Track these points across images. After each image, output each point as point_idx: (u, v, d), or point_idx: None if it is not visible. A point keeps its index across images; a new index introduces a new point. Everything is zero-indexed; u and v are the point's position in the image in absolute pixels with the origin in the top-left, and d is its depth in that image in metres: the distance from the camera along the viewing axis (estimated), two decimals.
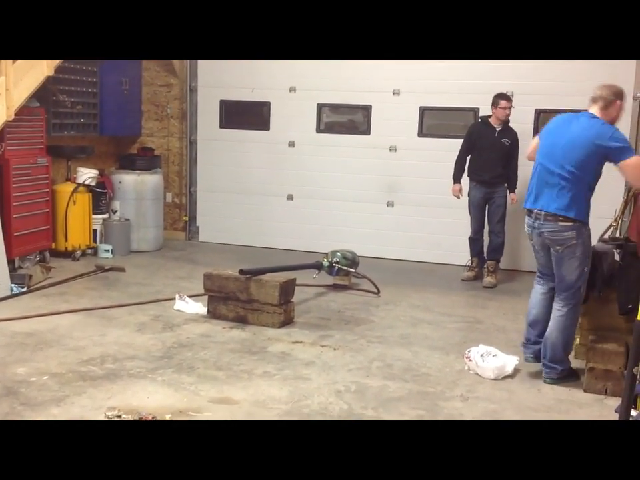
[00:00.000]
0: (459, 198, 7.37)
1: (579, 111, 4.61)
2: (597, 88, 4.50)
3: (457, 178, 7.36)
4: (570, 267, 4.43)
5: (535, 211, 4.49)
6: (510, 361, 4.71)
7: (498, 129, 7.18)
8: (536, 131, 7.62)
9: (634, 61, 7.25)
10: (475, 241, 7.45)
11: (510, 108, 7.09)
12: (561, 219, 4.36)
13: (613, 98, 4.42)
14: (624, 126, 7.33)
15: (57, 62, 6.87)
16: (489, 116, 7.24)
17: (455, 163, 7.36)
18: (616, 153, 4.24)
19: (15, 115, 6.41)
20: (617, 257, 4.55)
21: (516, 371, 4.72)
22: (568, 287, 4.48)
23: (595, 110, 4.45)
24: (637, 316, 3.66)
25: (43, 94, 7.17)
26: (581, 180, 4.34)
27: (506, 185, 7.23)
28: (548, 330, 4.56)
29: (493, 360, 4.69)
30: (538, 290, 4.76)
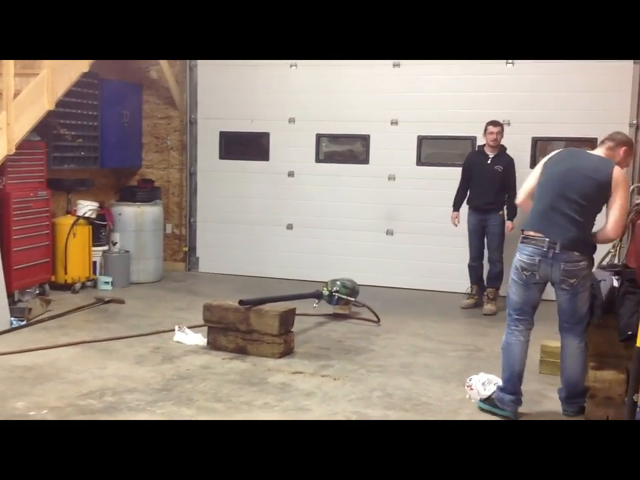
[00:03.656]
0: (455, 225, 7.46)
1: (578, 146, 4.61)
2: (610, 133, 4.52)
3: (455, 206, 7.46)
4: (582, 300, 4.34)
5: (548, 239, 4.26)
6: None
7: (491, 156, 7.23)
8: (533, 159, 7.72)
9: (629, 90, 7.34)
10: (473, 268, 7.46)
11: (498, 133, 7.15)
12: (577, 249, 4.26)
13: (620, 143, 4.43)
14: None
15: (58, 96, 6.95)
16: (485, 144, 7.32)
17: (456, 192, 7.44)
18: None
19: (16, 149, 6.47)
20: (615, 284, 4.53)
21: None
22: (580, 320, 4.39)
23: (600, 149, 4.45)
24: (636, 342, 3.66)
25: (43, 128, 7.23)
26: (591, 212, 4.31)
27: (501, 212, 7.25)
28: (570, 370, 4.45)
29: (495, 388, 4.65)
30: (520, 339, 4.40)
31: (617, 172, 4.24)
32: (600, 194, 4.24)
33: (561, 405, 4.55)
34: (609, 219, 4.27)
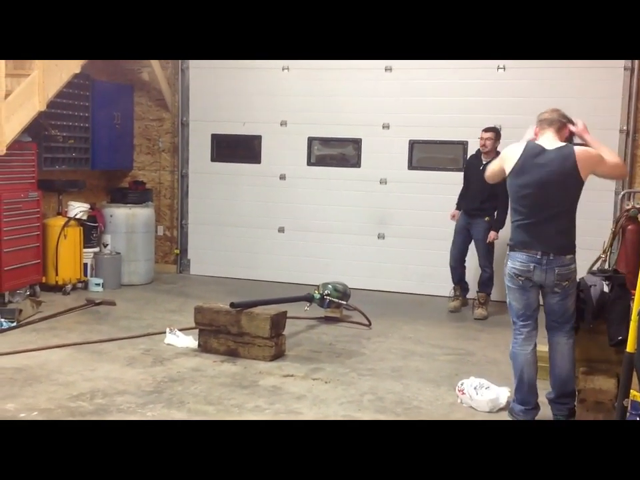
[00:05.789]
0: (453, 220, 7.51)
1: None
2: (548, 112, 4.42)
3: (457, 205, 7.53)
4: (572, 299, 4.40)
5: (540, 250, 4.26)
6: (502, 393, 4.70)
7: (484, 162, 7.23)
8: None
9: (619, 96, 7.37)
10: (453, 269, 7.46)
11: (488, 139, 7.11)
12: (568, 252, 4.31)
13: (565, 121, 4.40)
14: None
15: (49, 97, 6.94)
16: None
17: (460, 192, 7.54)
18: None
19: (7, 149, 6.44)
20: (606, 289, 4.56)
21: (508, 403, 4.71)
22: (570, 318, 4.43)
23: (552, 133, 4.35)
24: (627, 347, 3.69)
25: (34, 128, 7.21)
26: (572, 207, 4.35)
27: (487, 219, 7.19)
28: (560, 367, 4.43)
29: (487, 392, 4.67)
30: (526, 349, 4.39)
31: (576, 157, 4.19)
32: (573, 186, 4.27)
33: (550, 408, 4.57)
34: (609, 168, 4.29)
